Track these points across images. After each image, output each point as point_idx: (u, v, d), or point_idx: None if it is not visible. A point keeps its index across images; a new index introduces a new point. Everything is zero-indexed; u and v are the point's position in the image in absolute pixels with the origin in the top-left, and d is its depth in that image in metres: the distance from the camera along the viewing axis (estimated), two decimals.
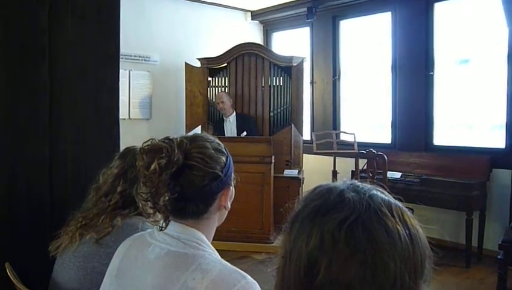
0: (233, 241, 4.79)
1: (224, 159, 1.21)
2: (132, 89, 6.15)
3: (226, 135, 5.76)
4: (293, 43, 7.27)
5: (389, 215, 0.70)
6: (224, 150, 1.24)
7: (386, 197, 0.73)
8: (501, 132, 4.96)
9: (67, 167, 2.13)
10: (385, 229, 0.68)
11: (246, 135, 5.63)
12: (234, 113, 5.89)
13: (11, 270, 1.70)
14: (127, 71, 6.02)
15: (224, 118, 5.90)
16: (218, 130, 5.89)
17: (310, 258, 0.68)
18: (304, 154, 6.05)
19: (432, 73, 5.46)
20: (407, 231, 0.69)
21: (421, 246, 0.70)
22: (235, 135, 5.72)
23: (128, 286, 1.18)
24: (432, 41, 5.46)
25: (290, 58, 5.96)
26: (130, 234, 1.35)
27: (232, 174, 1.25)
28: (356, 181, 0.77)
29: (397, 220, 0.70)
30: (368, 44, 6.32)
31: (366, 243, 0.66)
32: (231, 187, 1.25)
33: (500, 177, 4.85)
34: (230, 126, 5.83)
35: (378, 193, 0.74)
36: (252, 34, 7.39)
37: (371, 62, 6.26)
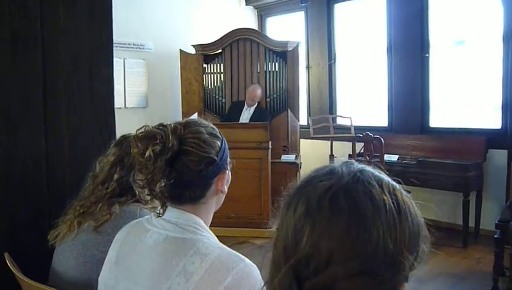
0: (232, 227, 4.82)
1: (219, 143, 1.21)
2: (127, 77, 6.11)
3: (240, 120, 5.75)
4: (288, 27, 7.22)
5: (377, 186, 0.71)
6: (219, 134, 1.24)
7: (378, 174, 0.74)
8: (497, 112, 4.96)
9: (64, 157, 2.12)
10: (370, 198, 0.69)
11: None
12: (256, 104, 5.86)
13: (11, 260, 1.71)
14: (122, 60, 5.98)
15: (246, 105, 5.87)
16: (235, 112, 5.86)
17: (296, 225, 0.70)
18: (301, 139, 6.05)
19: (427, 55, 5.45)
20: (395, 203, 0.70)
21: (410, 221, 0.70)
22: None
23: (127, 272, 1.19)
24: (427, 22, 5.44)
25: (285, 43, 5.93)
26: (128, 221, 1.36)
27: (228, 158, 1.25)
28: (352, 160, 0.78)
29: (385, 191, 0.70)
30: (363, 27, 6.28)
31: (349, 209, 0.68)
32: (227, 171, 1.25)
33: (496, 157, 4.87)
34: (248, 114, 5.81)
35: (371, 169, 0.75)
36: (247, 19, 7.33)
37: (367, 45, 6.23)
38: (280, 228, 0.74)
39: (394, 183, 0.74)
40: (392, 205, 0.69)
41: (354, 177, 0.71)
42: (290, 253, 0.70)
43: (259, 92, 5.83)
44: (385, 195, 0.70)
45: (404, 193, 0.73)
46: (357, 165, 0.75)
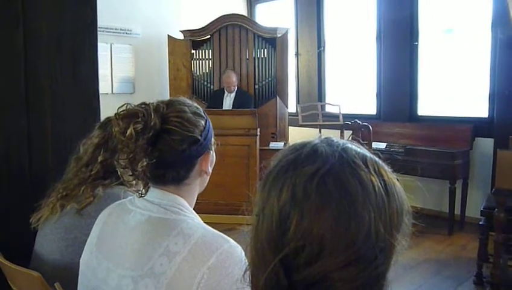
0: (220, 214, 4.79)
1: (203, 122, 1.18)
2: (114, 63, 6.03)
3: (223, 107, 5.71)
4: (277, 14, 7.17)
5: (363, 166, 0.68)
6: (203, 114, 1.21)
7: (361, 151, 0.71)
8: (484, 101, 4.99)
9: (47, 139, 2.08)
10: (358, 180, 0.66)
11: None
12: (236, 88, 5.82)
13: None
14: (109, 44, 5.89)
15: (226, 92, 5.83)
16: (216, 101, 5.82)
17: (282, 213, 0.66)
18: (289, 127, 6.05)
19: (416, 43, 5.45)
20: (382, 183, 0.67)
21: (397, 199, 0.69)
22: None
23: (109, 253, 1.17)
24: (416, 10, 5.43)
25: (275, 30, 5.89)
26: (111, 203, 1.33)
27: (212, 138, 1.22)
28: (331, 136, 0.75)
29: (371, 171, 0.68)
30: (352, 14, 6.25)
31: (338, 194, 0.65)
32: (211, 152, 1.22)
33: (482, 145, 4.91)
34: (230, 100, 5.77)
35: (353, 146, 0.72)
36: (236, 5, 7.25)
37: (356, 33, 6.20)
38: (261, 214, 0.70)
39: (376, 158, 0.72)
40: (380, 185, 0.67)
41: (340, 159, 0.68)
42: (277, 244, 0.66)
43: (233, 78, 5.77)
44: (372, 175, 0.67)
45: (386, 168, 0.71)
46: (339, 143, 0.72)
